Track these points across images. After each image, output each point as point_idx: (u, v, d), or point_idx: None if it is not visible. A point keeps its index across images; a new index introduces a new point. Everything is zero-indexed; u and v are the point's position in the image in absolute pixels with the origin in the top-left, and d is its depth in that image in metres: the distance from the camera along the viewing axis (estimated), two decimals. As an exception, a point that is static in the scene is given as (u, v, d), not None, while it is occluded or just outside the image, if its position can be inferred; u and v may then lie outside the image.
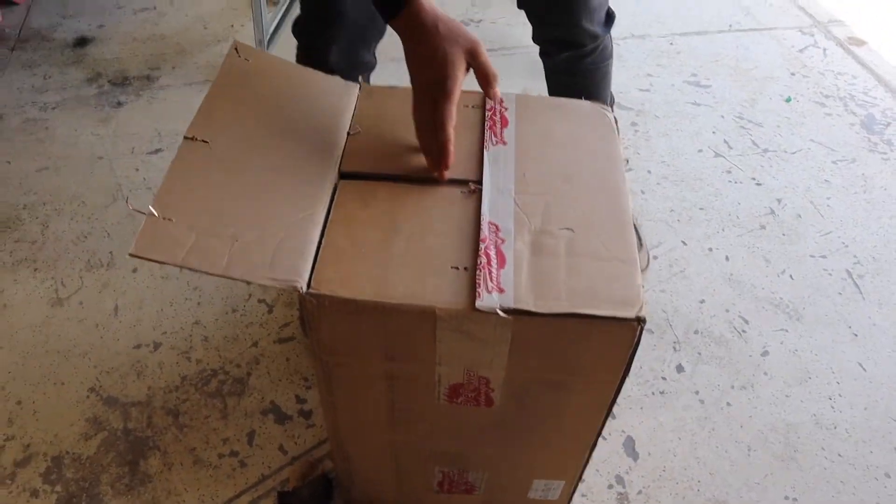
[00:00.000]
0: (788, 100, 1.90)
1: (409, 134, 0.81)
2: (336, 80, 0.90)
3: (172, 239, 0.65)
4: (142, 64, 1.91)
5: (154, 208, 0.66)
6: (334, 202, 0.75)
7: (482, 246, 0.70)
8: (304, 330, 1.27)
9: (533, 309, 0.64)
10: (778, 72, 2.01)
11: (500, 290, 0.66)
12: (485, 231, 0.72)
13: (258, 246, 0.68)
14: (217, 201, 0.71)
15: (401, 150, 0.82)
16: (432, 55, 0.74)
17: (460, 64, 0.74)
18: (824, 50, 2.11)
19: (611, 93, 1.37)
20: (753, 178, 1.66)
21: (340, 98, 0.88)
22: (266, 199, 0.74)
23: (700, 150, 1.74)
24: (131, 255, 0.62)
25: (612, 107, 1.31)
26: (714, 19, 2.23)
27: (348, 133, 0.83)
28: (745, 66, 2.03)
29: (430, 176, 0.78)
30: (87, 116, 1.74)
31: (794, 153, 1.73)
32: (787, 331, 1.34)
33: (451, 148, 0.75)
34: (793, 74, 2.00)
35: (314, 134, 0.82)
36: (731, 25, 2.21)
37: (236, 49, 0.85)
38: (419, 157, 0.80)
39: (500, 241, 0.70)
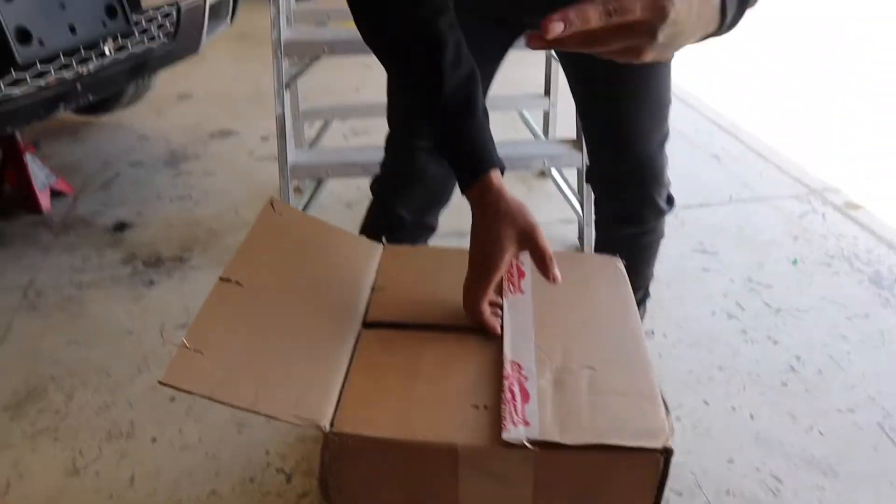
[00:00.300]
0: (795, 262, 1.96)
1: (428, 288, 0.87)
2: (362, 239, 0.97)
3: (202, 371, 0.68)
4: (175, 246, 2.02)
5: (186, 341, 0.69)
6: (357, 348, 0.78)
7: (506, 383, 0.71)
8: (324, 495, 1.24)
9: (559, 440, 0.64)
10: (781, 237, 2.08)
11: (526, 424, 0.66)
12: (507, 369, 0.74)
13: (284, 386, 0.70)
14: (247, 340, 0.74)
15: (422, 303, 0.86)
16: (486, 232, 0.81)
17: (509, 246, 0.79)
18: (823, 215, 2.20)
19: None
20: (769, 337, 1.67)
21: (367, 254, 0.94)
22: (293, 342, 0.77)
23: (713, 313, 1.77)
24: (161, 383, 0.64)
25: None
26: (715, 192, 2.35)
27: (372, 287, 0.88)
28: (748, 234, 2.11)
29: (450, 325, 0.81)
30: (119, 295, 1.82)
31: (806, 311, 1.76)
32: (824, 488, 1.29)
33: (487, 321, 0.80)
34: (796, 238, 2.07)
35: (340, 285, 0.87)
36: (731, 197, 2.32)
37: (272, 204, 0.92)
38: (439, 308, 0.84)
39: (523, 379, 0.72)
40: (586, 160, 1.29)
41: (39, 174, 2.17)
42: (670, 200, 1.25)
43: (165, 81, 2.95)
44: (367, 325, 0.82)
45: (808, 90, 3.31)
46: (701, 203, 2.29)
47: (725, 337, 1.68)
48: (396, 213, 1.19)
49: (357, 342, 0.79)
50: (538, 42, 0.59)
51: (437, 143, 0.87)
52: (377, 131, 1.42)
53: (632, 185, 1.20)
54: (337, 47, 1.84)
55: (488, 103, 0.91)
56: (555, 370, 0.74)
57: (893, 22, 4.47)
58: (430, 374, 0.75)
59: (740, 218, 2.20)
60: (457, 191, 0.89)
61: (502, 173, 0.84)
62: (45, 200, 2.17)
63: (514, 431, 0.65)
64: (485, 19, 1.08)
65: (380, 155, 1.23)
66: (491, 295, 0.81)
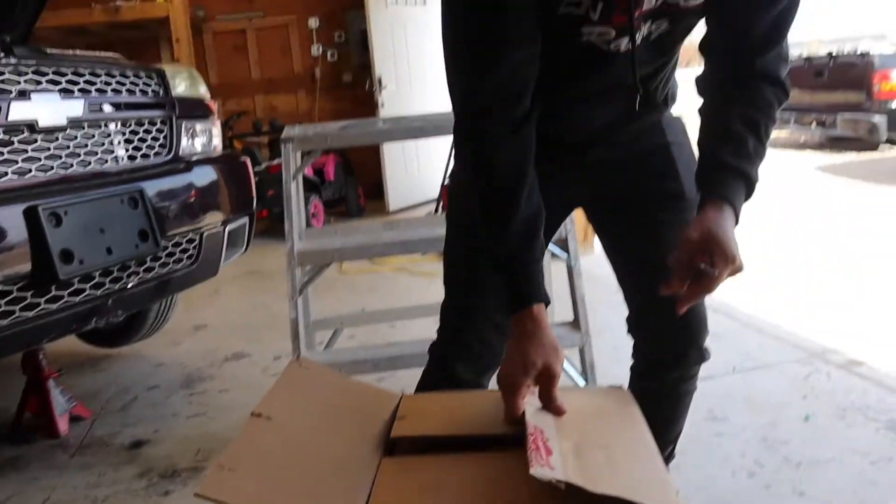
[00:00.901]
0: (807, 418, 1.97)
1: (448, 416, 0.93)
2: (381, 389, 1.04)
3: (235, 487, 0.72)
4: (191, 458, 2.04)
5: (221, 460, 0.74)
6: (378, 473, 0.83)
7: (530, 438, 0.76)
8: None
9: (583, 484, 0.67)
10: (790, 397, 2.11)
11: (551, 468, 0.70)
12: (531, 428, 0.78)
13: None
14: (276, 464, 0.79)
15: (443, 425, 0.92)
16: (514, 353, 0.95)
17: (531, 370, 0.93)
18: (827, 374, 2.24)
19: None
20: (795, 490, 1.65)
21: (389, 398, 1.00)
22: (317, 471, 0.82)
23: (733, 473, 1.75)
24: (196, 495, 0.68)
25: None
26: (718, 365, 2.39)
27: (393, 417, 0.94)
28: (757, 399, 2.14)
29: (474, 439, 0.87)
30: (136, 506, 1.81)
31: (828, 462, 1.74)
32: None
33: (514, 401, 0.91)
34: (805, 397, 2.10)
35: (363, 419, 0.93)
36: (734, 368, 2.37)
37: (297, 359, 1.00)
38: (461, 426, 0.91)
39: (545, 439, 0.76)
40: (629, 315, 1.32)
41: (60, 399, 2.24)
42: (707, 350, 1.28)
43: (181, 314, 3.12)
44: (390, 447, 0.87)
45: (792, 264, 3.48)
46: (704, 376, 2.30)
47: (749, 494, 1.65)
48: (455, 372, 1.21)
49: (378, 470, 0.84)
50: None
51: (495, 265, 1.01)
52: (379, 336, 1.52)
53: (680, 329, 1.22)
54: (346, 254, 2.01)
55: None
56: (574, 443, 0.79)
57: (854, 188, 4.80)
58: (452, 492, 0.79)
59: (747, 385, 2.23)
60: None
61: (546, 307, 0.99)
62: (63, 424, 2.22)
63: (541, 470, 0.69)
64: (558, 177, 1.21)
65: (388, 352, 1.31)
66: (518, 409, 0.90)
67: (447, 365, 1.23)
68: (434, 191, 5.80)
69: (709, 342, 1.25)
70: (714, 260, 0.94)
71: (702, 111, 1.08)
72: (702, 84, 1.10)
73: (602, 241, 1.33)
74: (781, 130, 8.71)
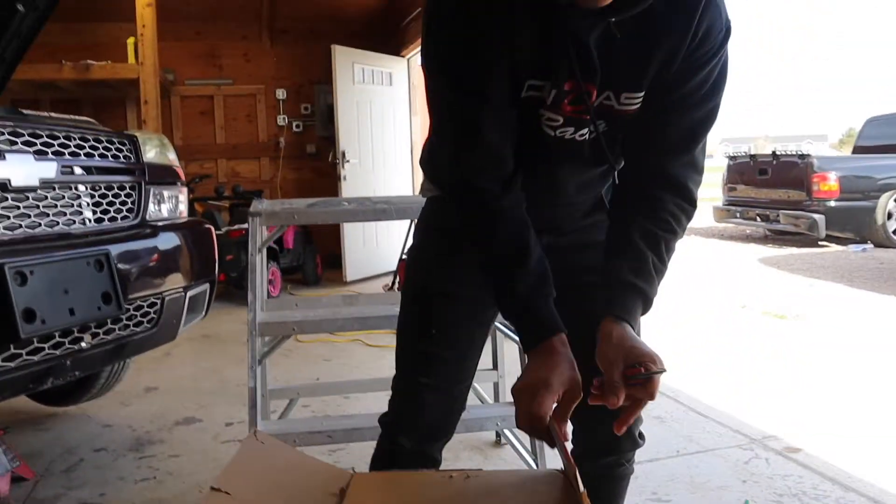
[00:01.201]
0: (747, 503, 2.04)
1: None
2: (332, 467, 1.08)
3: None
4: (137, 523, 2.00)
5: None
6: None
7: None
8: None
9: None
10: (730, 481, 2.18)
11: None
12: None
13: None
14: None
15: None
16: (536, 379, 1.00)
17: (553, 393, 0.98)
18: (766, 460, 2.33)
19: None
20: (734, 572, 1.70)
21: (338, 479, 1.04)
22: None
23: (677, 553, 1.80)
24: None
25: None
26: (662, 447, 2.47)
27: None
28: (699, 481, 2.20)
29: None
30: (76, 574, 1.77)
31: (765, 546, 1.81)
32: None
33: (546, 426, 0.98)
34: (744, 482, 2.17)
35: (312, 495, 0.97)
36: (678, 451, 2.45)
37: (255, 434, 1.04)
38: None
39: None
40: None
41: (2, 459, 2.18)
42: (641, 436, 1.35)
43: (132, 375, 3.08)
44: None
45: (734, 351, 3.62)
46: (650, 458, 2.40)
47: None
48: (398, 442, 1.27)
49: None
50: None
51: (508, 312, 1.08)
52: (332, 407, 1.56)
53: (613, 418, 1.21)
54: (305, 327, 2.06)
55: None
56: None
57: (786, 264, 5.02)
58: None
59: (690, 468, 2.30)
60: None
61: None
62: (3, 485, 2.16)
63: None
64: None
65: (342, 424, 1.36)
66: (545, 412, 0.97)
67: (391, 436, 1.30)
68: (391, 264, 5.88)
69: (654, 426, 1.32)
70: (645, 365, 0.98)
71: (611, 213, 1.18)
72: (617, 179, 1.19)
73: None
74: (728, 223, 9.10)
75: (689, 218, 1.14)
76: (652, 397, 1.00)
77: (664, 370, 0.99)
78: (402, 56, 6.82)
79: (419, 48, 6.13)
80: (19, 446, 2.54)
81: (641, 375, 0.98)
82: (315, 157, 7.18)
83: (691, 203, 1.13)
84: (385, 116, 6.62)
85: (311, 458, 1.10)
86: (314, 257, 6.24)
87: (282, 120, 7.16)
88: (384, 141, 6.59)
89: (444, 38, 1.04)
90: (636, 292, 1.07)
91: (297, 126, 7.22)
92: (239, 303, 5.22)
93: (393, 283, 5.44)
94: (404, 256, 4.97)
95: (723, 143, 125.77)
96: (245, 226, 5.53)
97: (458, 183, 1.10)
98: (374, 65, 6.51)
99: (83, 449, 2.59)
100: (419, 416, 1.28)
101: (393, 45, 6.81)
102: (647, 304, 1.08)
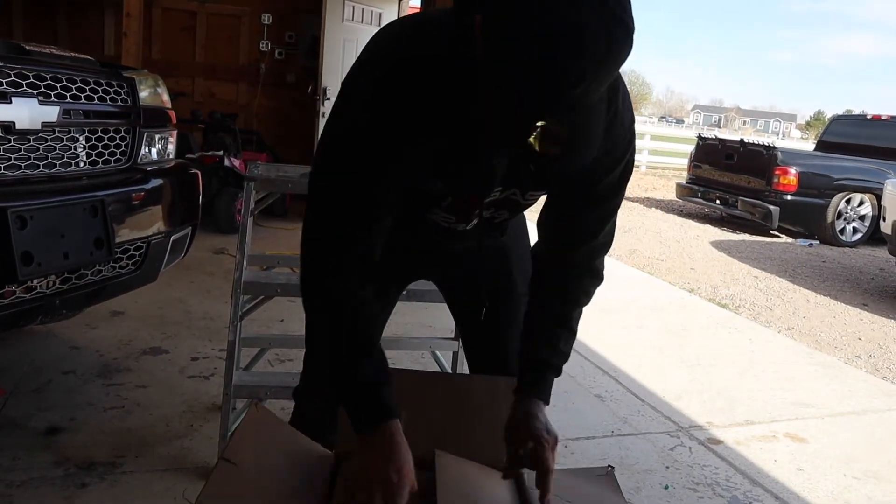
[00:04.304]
0: (666, 487, 2.27)
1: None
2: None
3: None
4: (108, 452, 2.14)
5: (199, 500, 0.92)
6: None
7: None
8: None
9: None
10: (655, 466, 2.42)
11: None
12: None
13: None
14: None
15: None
16: (371, 467, 1.04)
17: (396, 480, 1.02)
18: (690, 448, 2.56)
19: None
20: (646, 551, 1.93)
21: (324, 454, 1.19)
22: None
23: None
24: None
25: None
26: (599, 427, 2.69)
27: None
28: (627, 463, 2.43)
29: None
30: (50, 495, 1.90)
31: (676, 530, 2.04)
32: None
33: None
34: (667, 468, 2.41)
35: (309, 468, 1.12)
36: (612, 431, 2.67)
37: (256, 405, 1.17)
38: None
39: None
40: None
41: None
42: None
43: (101, 299, 3.16)
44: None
45: (680, 338, 3.86)
46: (587, 436, 2.62)
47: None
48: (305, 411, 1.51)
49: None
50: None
51: (349, 394, 1.08)
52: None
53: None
54: (290, 290, 2.18)
55: (404, 344, 1.29)
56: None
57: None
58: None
59: (622, 449, 2.53)
60: None
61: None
62: (-24, 398, 2.27)
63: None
64: (390, 276, 1.41)
65: None
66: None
67: (300, 405, 1.51)
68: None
69: (594, 404, 1.52)
70: (539, 445, 1.17)
71: (529, 298, 1.32)
72: (535, 257, 1.32)
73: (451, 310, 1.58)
74: (689, 201, 9.36)
75: (598, 286, 1.30)
76: (545, 471, 1.16)
77: (551, 451, 1.18)
78: (394, -3, 6.75)
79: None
80: (-11, 362, 2.64)
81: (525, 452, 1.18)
82: (294, 87, 7.11)
83: (600, 278, 1.29)
84: (370, 57, 6.58)
85: (302, 438, 1.24)
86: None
87: (264, 45, 7.05)
88: (366, 82, 6.56)
89: (349, 125, 1.04)
90: (549, 369, 1.25)
91: (280, 54, 7.12)
92: (206, 230, 5.26)
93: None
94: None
95: (695, 109, 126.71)
96: (219, 153, 5.53)
97: (321, 267, 1.10)
98: (365, 3, 6.44)
99: (51, 370, 2.69)
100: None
101: (385, -15, 6.73)
102: (558, 372, 1.27)
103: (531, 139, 0.84)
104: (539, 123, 0.84)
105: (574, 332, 1.29)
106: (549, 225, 1.25)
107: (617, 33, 0.82)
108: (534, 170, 1.07)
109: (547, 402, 1.25)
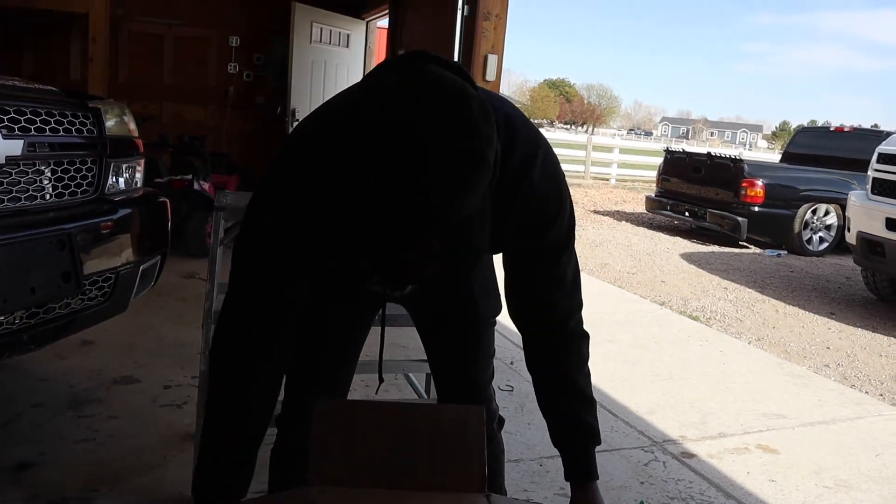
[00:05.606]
0: (642, 503, 2.29)
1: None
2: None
3: None
4: (80, 486, 2.10)
5: None
6: None
7: None
8: None
9: None
10: (630, 482, 2.44)
11: None
12: None
13: None
14: None
15: None
16: None
17: None
18: (664, 463, 2.59)
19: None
20: (623, 569, 1.94)
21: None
22: None
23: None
24: None
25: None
26: (574, 442, 2.71)
27: None
28: (602, 479, 2.38)
29: None
30: (20, 535, 1.87)
31: (652, 546, 2.06)
32: None
33: None
34: (642, 483, 2.43)
35: None
36: (588, 447, 2.68)
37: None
38: None
39: None
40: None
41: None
42: (501, 422, 1.62)
43: (71, 329, 3.12)
44: None
45: (652, 352, 3.90)
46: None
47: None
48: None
49: None
50: None
51: (206, 478, 1.13)
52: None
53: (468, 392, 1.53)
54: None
55: (377, 367, 1.32)
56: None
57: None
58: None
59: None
60: None
61: None
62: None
63: None
64: (362, 303, 1.47)
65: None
66: None
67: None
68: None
69: None
70: None
71: (534, 382, 1.36)
72: (525, 347, 1.37)
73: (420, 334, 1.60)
74: (658, 214, 9.49)
75: (588, 344, 1.37)
76: None
77: None
78: (362, 18, 6.80)
79: (380, 12, 6.10)
80: (-44, 398, 2.58)
81: None
82: (264, 109, 7.12)
83: (586, 336, 1.37)
84: (339, 78, 6.63)
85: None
86: (255, 212, 6.24)
87: (232, 68, 7.06)
88: (336, 103, 6.59)
89: (291, 178, 1.09)
90: (589, 444, 1.33)
91: (248, 76, 7.14)
92: (177, 255, 5.22)
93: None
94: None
95: (662, 122, 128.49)
96: (188, 176, 5.50)
97: (227, 336, 1.15)
98: (332, 25, 6.48)
99: (20, 403, 2.65)
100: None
101: (353, 7, 6.77)
102: (596, 441, 1.34)
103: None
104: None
105: (592, 401, 1.35)
106: (513, 297, 1.30)
107: (461, 168, 0.85)
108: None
109: (597, 477, 1.32)
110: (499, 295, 1.54)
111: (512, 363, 3.47)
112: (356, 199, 0.95)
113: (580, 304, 1.32)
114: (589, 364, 1.38)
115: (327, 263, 1.18)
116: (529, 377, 1.42)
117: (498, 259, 1.50)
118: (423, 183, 0.83)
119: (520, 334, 1.37)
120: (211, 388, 1.15)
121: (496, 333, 1.60)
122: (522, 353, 1.42)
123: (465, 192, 0.86)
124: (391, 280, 1.17)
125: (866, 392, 3.69)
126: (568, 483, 1.39)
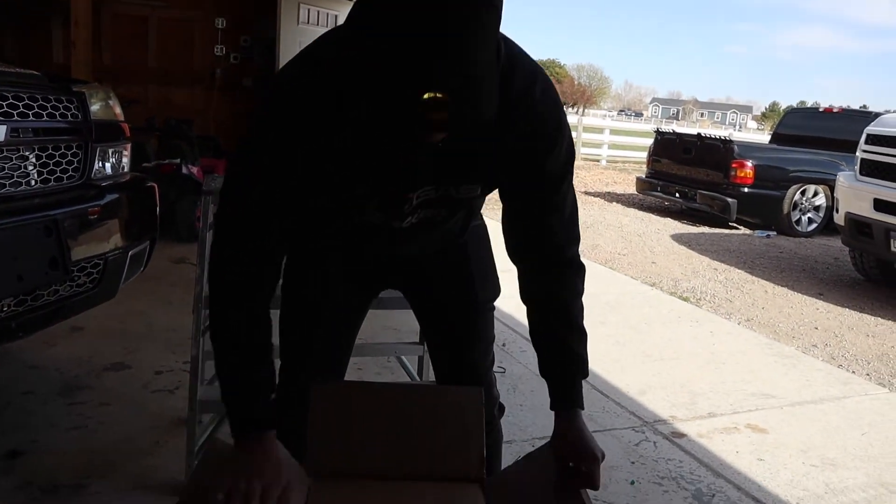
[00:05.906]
0: (633, 483, 2.31)
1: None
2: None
3: None
4: (72, 473, 2.10)
5: None
6: None
7: None
8: None
9: None
10: (621, 461, 2.46)
11: None
12: None
13: None
14: None
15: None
16: (241, 477, 1.05)
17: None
18: (654, 443, 2.61)
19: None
20: (614, 548, 1.97)
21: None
22: None
23: (568, 528, 2.05)
24: None
25: None
26: (566, 424, 2.72)
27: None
28: (595, 459, 2.46)
29: None
30: (13, 522, 1.87)
31: (643, 525, 2.08)
32: None
33: None
34: (633, 463, 2.45)
35: None
36: (580, 428, 2.70)
37: (214, 443, 1.17)
38: None
39: None
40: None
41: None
42: (501, 409, 1.62)
43: (60, 316, 3.10)
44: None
45: (643, 333, 3.92)
46: (555, 433, 2.64)
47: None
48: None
49: None
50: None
51: (237, 395, 1.11)
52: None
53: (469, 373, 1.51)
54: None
55: (369, 350, 1.31)
56: None
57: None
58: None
59: (588, 446, 2.56)
60: None
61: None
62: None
63: None
64: (359, 284, 1.47)
65: None
66: None
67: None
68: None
69: None
70: (585, 465, 1.20)
71: (528, 310, 1.33)
72: (518, 270, 1.34)
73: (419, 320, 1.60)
74: (648, 195, 9.51)
75: (583, 276, 1.32)
76: (594, 487, 1.19)
77: (596, 470, 1.19)
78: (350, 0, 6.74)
79: None
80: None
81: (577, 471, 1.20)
82: (251, 91, 7.05)
83: (582, 268, 1.31)
84: (327, 60, 6.56)
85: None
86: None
87: (219, 50, 6.97)
88: (324, 85, 6.54)
89: (273, 124, 1.09)
90: (576, 374, 1.29)
91: (235, 58, 7.06)
92: (166, 240, 5.19)
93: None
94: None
95: (653, 102, 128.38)
96: (176, 161, 5.45)
97: (223, 258, 1.14)
98: (320, 6, 6.41)
99: (10, 391, 2.63)
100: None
101: (341, -13, 6.71)
102: (584, 374, 1.30)
103: (418, 112, 0.88)
104: (424, 96, 0.87)
105: (583, 331, 1.31)
106: (511, 227, 1.28)
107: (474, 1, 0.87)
108: (459, 161, 1.12)
109: (582, 407, 1.29)
110: (497, 278, 1.54)
111: (504, 345, 3.47)
112: (348, 134, 1.00)
113: (577, 237, 1.29)
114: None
115: (319, 200, 1.19)
116: (521, 360, 1.43)
117: (497, 246, 1.49)
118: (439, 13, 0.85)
119: (520, 320, 1.37)
120: (213, 305, 1.14)
121: (489, 316, 1.60)
122: (514, 334, 1.42)
123: (477, 28, 0.88)
124: (391, 202, 1.18)
125: (853, 372, 3.73)
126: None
